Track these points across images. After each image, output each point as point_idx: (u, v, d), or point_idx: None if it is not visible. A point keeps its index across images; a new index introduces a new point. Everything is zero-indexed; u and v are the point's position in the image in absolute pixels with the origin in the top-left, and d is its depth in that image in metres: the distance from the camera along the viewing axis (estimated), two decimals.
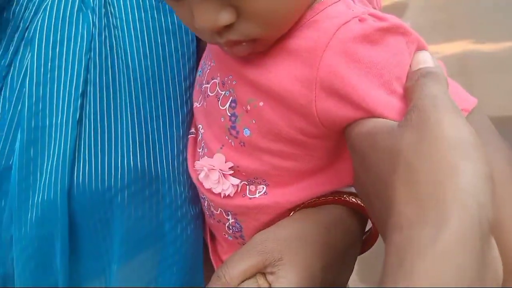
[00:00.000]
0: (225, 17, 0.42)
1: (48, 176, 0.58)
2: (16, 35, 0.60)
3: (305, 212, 0.54)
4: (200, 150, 0.60)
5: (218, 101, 0.54)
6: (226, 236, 0.62)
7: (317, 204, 0.55)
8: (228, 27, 0.44)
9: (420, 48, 0.48)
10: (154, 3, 0.61)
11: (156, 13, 0.61)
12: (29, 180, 0.58)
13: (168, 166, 0.61)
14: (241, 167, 0.54)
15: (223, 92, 0.54)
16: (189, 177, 0.62)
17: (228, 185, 0.56)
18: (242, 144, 0.53)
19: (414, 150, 0.37)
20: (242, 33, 0.45)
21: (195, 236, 0.64)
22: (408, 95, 0.43)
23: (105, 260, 0.61)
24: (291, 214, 0.55)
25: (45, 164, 0.58)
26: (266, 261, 0.49)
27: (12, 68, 0.60)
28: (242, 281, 0.49)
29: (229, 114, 0.53)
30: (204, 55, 0.61)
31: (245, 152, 0.54)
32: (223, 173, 0.56)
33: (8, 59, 0.60)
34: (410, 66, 0.46)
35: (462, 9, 10.01)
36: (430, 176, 0.35)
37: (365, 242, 0.59)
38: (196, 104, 0.61)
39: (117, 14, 0.60)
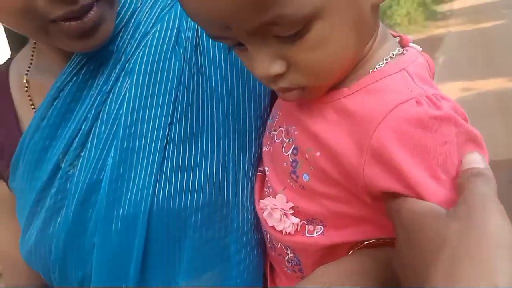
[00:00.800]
0: (276, 67, 0.51)
1: (134, 192, 0.65)
2: (118, 66, 0.69)
3: (366, 250, 0.59)
4: (267, 190, 0.66)
5: (282, 147, 0.62)
6: (286, 269, 0.67)
7: (377, 245, 0.59)
8: (280, 76, 0.52)
9: (470, 139, 0.54)
10: None
11: (243, 76, 0.70)
12: (117, 194, 0.65)
13: (239, 194, 0.68)
14: (300, 208, 0.61)
15: (287, 140, 0.61)
16: (255, 206, 0.69)
17: (289, 224, 0.62)
18: (302, 187, 0.60)
19: (459, 241, 0.42)
20: (292, 81, 0.53)
21: (257, 262, 0.70)
22: (459, 190, 0.48)
23: (173, 273, 0.66)
24: (351, 252, 0.60)
25: (132, 181, 0.65)
26: None
27: (111, 94, 0.69)
28: None
29: (291, 160, 0.60)
30: (276, 103, 0.69)
31: (305, 195, 0.60)
32: (284, 212, 0.61)
33: (109, 86, 0.69)
34: (461, 163, 0.51)
35: (498, 46, 9.87)
36: (470, 271, 0.39)
37: None
38: (264, 148, 0.69)
39: (205, 53, 0.69)
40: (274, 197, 0.63)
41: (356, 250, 0.60)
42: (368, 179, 0.52)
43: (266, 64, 0.50)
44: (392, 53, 0.57)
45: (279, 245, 0.66)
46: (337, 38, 0.50)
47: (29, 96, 0.75)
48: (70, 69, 0.70)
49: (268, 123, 0.70)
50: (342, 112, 0.54)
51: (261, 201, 0.66)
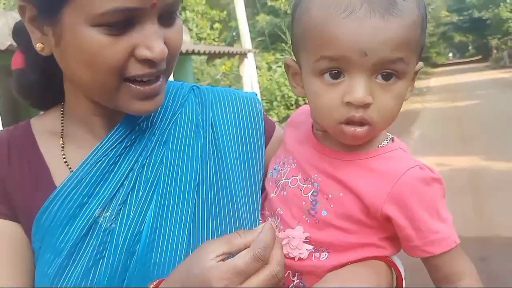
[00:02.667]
0: (370, 98, 0.70)
1: (170, 241, 0.77)
2: (154, 138, 0.84)
3: (360, 262, 0.76)
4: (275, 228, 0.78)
5: (301, 191, 0.79)
6: None
7: (367, 259, 0.77)
8: (366, 107, 0.70)
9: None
10: (249, 129, 0.92)
11: (244, 133, 0.91)
12: (155, 244, 0.77)
13: None
14: (313, 238, 0.77)
15: (304, 185, 0.79)
16: None
17: (303, 250, 0.77)
18: (317, 221, 0.77)
19: None
20: (369, 115, 0.70)
21: None
22: None
23: None
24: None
25: (168, 232, 0.78)
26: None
27: (149, 159, 0.82)
28: None
29: (311, 200, 0.78)
30: (274, 162, 0.88)
31: (318, 228, 0.77)
32: (302, 241, 0.77)
33: (148, 152, 0.83)
34: None
35: (472, 124, 10.15)
36: None
37: None
38: (272, 195, 0.84)
39: (218, 132, 0.88)
40: (292, 229, 0.78)
41: (355, 261, 0.76)
42: (384, 214, 0.74)
43: (365, 93, 0.69)
44: (387, 138, 0.80)
45: (285, 274, 0.75)
46: (401, 100, 0.74)
47: (64, 155, 0.83)
48: (114, 138, 0.82)
49: (269, 176, 0.87)
50: (367, 169, 0.76)
51: (281, 232, 0.79)
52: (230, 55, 11.57)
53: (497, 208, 4.94)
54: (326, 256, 0.77)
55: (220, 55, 11.40)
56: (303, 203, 0.78)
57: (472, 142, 8.59)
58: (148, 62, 0.72)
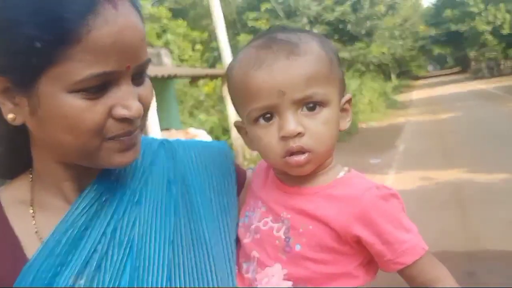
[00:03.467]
0: (300, 128, 0.78)
1: None
2: (125, 198, 0.83)
3: None
4: (251, 272, 0.85)
5: (273, 230, 0.83)
6: None
7: None
8: (299, 136, 0.78)
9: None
10: (221, 180, 0.94)
11: (216, 184, 0.93)
12: None
13: None
14: (290, 274, 0.81)
15: (275, 225, 0.84)
16: None
17: (285, 286, 0.80)
18: (293, 257, 0.81)
19: None
20: (305, 143, 0.79)
21: None
22: None
23: None
24: None
25: None
26: None
27: (121, 221, 0.82)
28: None
29: (284, 237, 0.82)
30: (244, 210, 0.92)
31: (295, 263, 0.80)
32: (280, 278, 0.80)
33: (121, 214, 0.82)
34: None
35: (454, 137, 10.26)
36: None
37: None
38: (246, 241, 0.87)
39: (191, 185, 0.90)
40: (267, 268, 0.82)
41: None
42: (354, 235, 0.79)
43: (295, 125, 0.78)
44: (344, 169, 0.87)
45: None
46: (332, 126, 0.82)
47: (35, 225, 0.82)
48: (85, 202, 0.81)
49: (241, 223, 0.90)
50: (330, 198, 0.81)
51: (261, 272, 0.83)
52: (213, 76, 11.59)
53: (482, 221, 4.97)
54: None
55: (202, 77, 11.41)
56: (277, 241, 0.82)
57: (455, 155, 8.67)
58: (126, 120, 0.74)
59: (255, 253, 0.84)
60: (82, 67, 0.68)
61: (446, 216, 5.25)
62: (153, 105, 8.13)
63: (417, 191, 6.43)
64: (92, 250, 0.79)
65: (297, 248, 0.80)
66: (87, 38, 0.68)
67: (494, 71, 35.22)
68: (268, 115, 0.80)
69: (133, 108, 0.74)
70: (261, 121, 0.81)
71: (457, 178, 6.89)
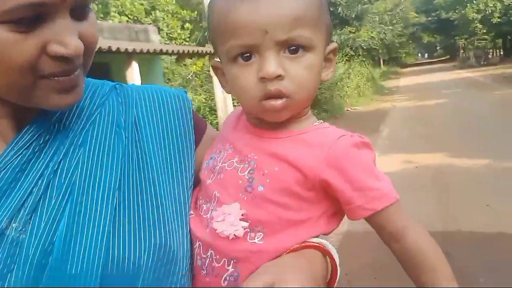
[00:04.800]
0: (280, 70, 0.74)
1: (87, 251, 0.72)
2: (67, 140, 0.78)
3: (294, 252, 0.77)
4: (210, 212, 0.82)
5: (237, 171, 0.81)
6: None
7: (301, 248, 0.78)
8: (279, 79, 0.75)
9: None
10: (177, 128, 0.89)
11: (170, 132, 0.88)
12: (69, 254, 0.71)
13: (181, 240, 0.81)
14: (249, 215, 0.78)
15: (241, 165, 0.81)
16: (190, 254, 0.83)
17: (239, 227, 0.77)
18: (254, 197, 0.78)
19: None
20: (284, 87, 0.75)
21: None
22: None
23: None
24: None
25: (84, 242, 0.72)
26: (274, 281, 0.69)
27: (62, 164, 0.76)
28: None
29: (247, 178, 0.79)
30: (209, 153, 0.89)
31: (255, 204, 0.78)
32: (236, 218, 0.77)
33: (61, 157, 0.77)
34: None
35: (438, 123, 10.38)
36: None
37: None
38: (208, 181, 0.85)
39: (143, 131, 0.85)
40: (223, 206, 0.79)
41: (290, 251, 0.77)
42: (323, 180, 0.77)
43: (275, 66, 0.74)
44: (320, 121, 0.85)
45: (221, 262, 0.79)
46: (314, 72, 0.79)
47: None
48: (22, 142, 0.76)
49: (205, 165, 0.88)
50: (301, 142, 0.79)
51: (217, 208, 0.80)
52: (201, 55, 11.48)
53: (461, 204, 5.05)
54: (261, 236, 0.77)
55: (190, 55, 11.30)
56: (240, 181, 0.79)
57: (438, 140, 8.76)
58: (62, 59, 0.68)
59: (216, 193, 0.82)
60: None
61: (426, 198, 5.33)
62: (139, 82, 8.09)
63: (399, 174, 6.50)
64: (27, 193, 0.73)
65: (259, 189, 0.77)
66: None
67: (482, 60, 35.46)
68: (248, 54, 0.76)
69: (71, 45, 0.68)
70: (240, 59, 0.77)
71: (438, 162, 6.98)
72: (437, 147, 8.06)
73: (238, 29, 0.75)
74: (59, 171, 0.76)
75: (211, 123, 11.02)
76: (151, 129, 0.86)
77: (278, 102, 0.76)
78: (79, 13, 0.71)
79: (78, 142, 0.79)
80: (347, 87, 16.77)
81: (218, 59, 0.86)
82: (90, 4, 0.74)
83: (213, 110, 11.48)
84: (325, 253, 0.80)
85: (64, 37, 0.68)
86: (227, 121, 0.93)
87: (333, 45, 0.83)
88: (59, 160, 0.76)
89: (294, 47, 0.75)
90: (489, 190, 5.34)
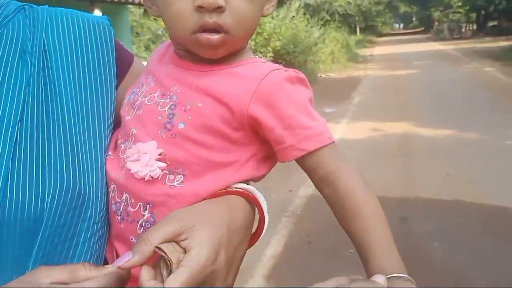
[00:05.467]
0: (221, 1, 0.66)
1: None
2: None
3: (213, 198, 0.71)
4: (125, 154, 0.74)
5: (158, 106, 0.73)
6: (134, 239, 0.73)
7: (222, 194, 0.71)
8: (219, 11, 0.67)
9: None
10: (95, 58, 0.80)
11: (86, 63, 0.79)
12: None
13: (93, 183, 0.74)
14: (167, 155, 0.70)
15: (162, 100, 0.73)
16: (106, 198, 0.76)
17: (155, 167, 0.70)
18: (173, 135, 0.71)
19: None
20: (223, 20, 0.68)
21: (101, 251, 0.77)
22: None
23: (25, 261, 0.67)
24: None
25: None
26: (182, 228, 0.62)
27: None
28: (161, 244, 0.60)
29: (167, 113, 0.71)
30: (132, 87, 0.81)
31: (174, 143, 0.70)
32: (153, 157, 0.70)
33: None
34: None
35: (409, 92, 10.55)
36: None
37: (253, 235, 0.76)
38: (128, 117, 0.77)
39: (52, 58, 0.76)
40: (138, 144, 0.72)
41: (209, 197, 0.71)
42: (252, 116, 0.70)
43: None
44: (256, 55, 0.79)
45: (136, 207, 0.72)
46: (255, 7, 0.72)
47: None
48: None
49: (127, 101, 0.80)
50: (231, 75, 0.72)
51: (131, 148, 0.72)
52: None
53: (422, 172, 5.17)
54: (182, 179, 0.70)
55: None
56: (159, 117, 0.72)
57: (407, 110, 8.89)
58: None
59: (133, 130, 0.74)
60: None
61: (390, 165, 5.43)
62: None
63: (366, 141, 6.59)
64: None
65: (180, 126, 0.70)
66: None
67: (455, 33, 35.82)
68: None
69: None
70: None
71: (404, 131, 7.10)
72: (405, 116, 8.19)
73: None
74: None
75: None
76: (63, 57, 0.77)
77: (215, 37, 0.68)
78: None
79: None
80: (321, 52, 16.68)
81: None
82: None
83: None
84: (251, 199, 0.72)
85: None
86: (154, 53, 0.84)
87: None
88: None
89: None
90: (451, 159, 5.49)
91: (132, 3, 9.56)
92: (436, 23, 43.03)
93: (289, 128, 0.70)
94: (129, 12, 10.97)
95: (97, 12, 7.59)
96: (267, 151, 0.74)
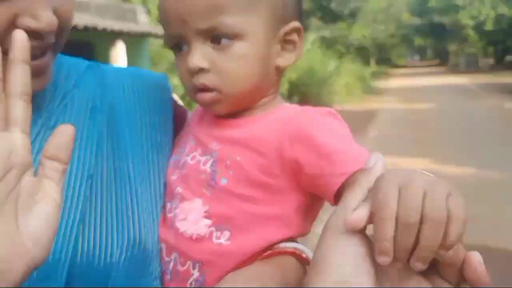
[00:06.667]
0: (204, 63, 0.71)
1: (56, 240, 0.63)
2: (39, 121, 0.73)
3: (265, 260, 0.70)
4: (173, 211, 0.76)
5: (200, 164, 0.74)
6: None
7: (274, 254, 0.70)
8: (204, 72, 0.71)
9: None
10: (156, 114, 0.84)
11: (148, 119, 0.83)
12: None
13: (153, 240, 0.76)
14: (213, 212, 0.71)
15: (203, 158, 0.75)
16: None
17: (202, 225, 0.71)
18: (217, 192, 0.72)
19: None
20: (211, 81, 0.71)
21: None
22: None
23: None
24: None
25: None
26: None
27: (32, 146, 0.67)
28: None
29: (210, 171, 0.73)
30: (176, 147, 0.83)
31: (219, 200, 0.71)
32: (199, 215, 0.72)
33: (32, 140, 0.70)
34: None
35: (426, 127, 10.28)
36: None
37: None
38: (173, 177, 0.79)
39: (120, 116, 0.80)
40: (185, 202, 0.74)
41: (260, 259, 0.70)
42: (290, 158, 0.68)
43: (198, 59, 0.70)
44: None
45: (186, 265, 0.73)
46: (248, 62, 0.71)
47: None
48: None
49: (172, 161, 0.81)
50: (263, 123, 0.73)
51: (176, 208, 0.75)
52: None
53: None
54: (228, 236, 0.71)
55: None
56: (202, 175, 0.74)
57: (425, 145, 8.72)
58: (33, 34, 0.62)
59: (178, 189, 0.77)
60: None
61: None
62: (125, 64, 7.85)
63: None
64: None
65: (222, 182, 0.72)
66: None
67: (472, 67, 35.73)
68: (179, 44, 0.74)
69: (42, 18, 0.62)
70: (176, 51, 0.75)
71: (424, 167, 6.88)
72: (424, 152, 8.00)
73: (166, 19, 0.74)
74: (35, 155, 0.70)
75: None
76: (128, 114, 0.82)
77: (207, 96, 0.73)
78: None
79: (51, 123, 0.74)
80: (336, 84, 16.66)
81: None
82: None
83: None
84: (302, 260, 0.71)
85: (37, 9, 0.63)
86: (194, 112, 0.87)
87: (292, 24, 0.74)
88: (32, 141, 0.69)
89: (216, 37, 0.70)
90: (474, 200, 5.25)
91: (152, 36, 9.72)
92: (452, 57, 43.03)
93: (325, 156, 0.66)
94: (148, 43, 11.21)
95: (120, 44, 7.75)
96: (310, 202, 0.72)
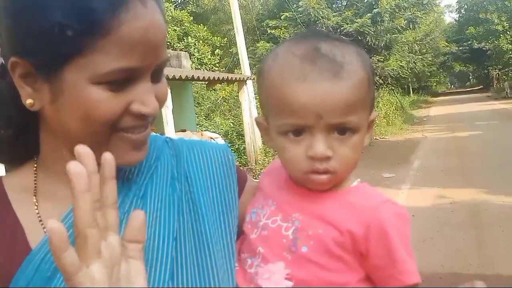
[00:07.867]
0: (329, 152, 0.79)
1: None
2: (130, 193, 0.83)
3: None
4: (254, 267, 0.85)
5: (281, 229, 0.83)
6: None
7: None
8: (326, 159, 0.79)
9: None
10: (223, 180, 0.93)
11: (218, 185, 0.92)
12: None
13: None
14: (293, 276, 0.80)
15: (285, 224, 0.83)
16: None
17: (284, 286, 0.79)
18: (298, 258, 0.80)
19: None
20: (331, 165, 0.79)
21: None
22: None
23: None
24: None
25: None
26: None
27: (126, 215, 0.79)
28: None
29: (291, 237, 0.81)
30: (252, 207, 0.91)
31: (299, 265, 0.80)
32: (281, 277, 0.80)
33: (126, 208, 0.81)
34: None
35: (474, 156, 10.01)
36: None
37: None
38: (252, 236, 0.87)
39: (193, 184, 0.90)
40: (269, 264, 0.82)
41: None
42: (366, 246, 0.79)
43: (324, 148, 0.78)
44: (357, 179, 0.88)
45: None
46: (359, 150, 0.83)
47: (38, 214, 0.81)
48: None
49: (248, 219, 0.90)
50: (345, 203, 0.82)
51: (261, 268, 0.83)
52: (230, 81, 11.54)
53: (498, 245, 4.78)
54: None
55: (220, 81, 11.38)
56: (284, 240, 0.82)
57: (473, 175, 8.45)
58: (142, 117, 0.76)
59: (260, 249, 0.85)
60: (109, 60, 0.70)
61: (461, 237, 5.08)
62: (170, 105, 8.14)
63: (431, 209, 6.26)
64: None
65: (303, 249, 0.80)
66: (117, 32, 0.69)
67: None
68: (299, 130, 0.80)
69: (151, 105, 0.75)
70: (290, 135, 0.81)
71: (474, 198, 6.69)
72: (472, 182, 7.76)
73: (294, 110, 0.78)
74: (124, 222, 0.76)
75: (238, 148, 11.13)
76: (201, 182, 0.91)
77: (324, 177, 0.80)
78: (156, 76, 0.78)
79: (140, 194, 0.84)
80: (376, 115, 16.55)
81: (261, 116, 0.89)
82: (164, 69, 0.82)
83: (240, 135, 11.47)
84: None
85: (146, 97, 0.75)
86: (269, 173, 0.96)
87: (374, 115, 0.87)
88: (125, 211, 0.80)
89: (343, 130, 0.79)
90: None
91: (196, 80, 10.04)
92: (495, 82, 41.94)
93: (393, 260, 0.78)
94: (192, 85, 11.56)
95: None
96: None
